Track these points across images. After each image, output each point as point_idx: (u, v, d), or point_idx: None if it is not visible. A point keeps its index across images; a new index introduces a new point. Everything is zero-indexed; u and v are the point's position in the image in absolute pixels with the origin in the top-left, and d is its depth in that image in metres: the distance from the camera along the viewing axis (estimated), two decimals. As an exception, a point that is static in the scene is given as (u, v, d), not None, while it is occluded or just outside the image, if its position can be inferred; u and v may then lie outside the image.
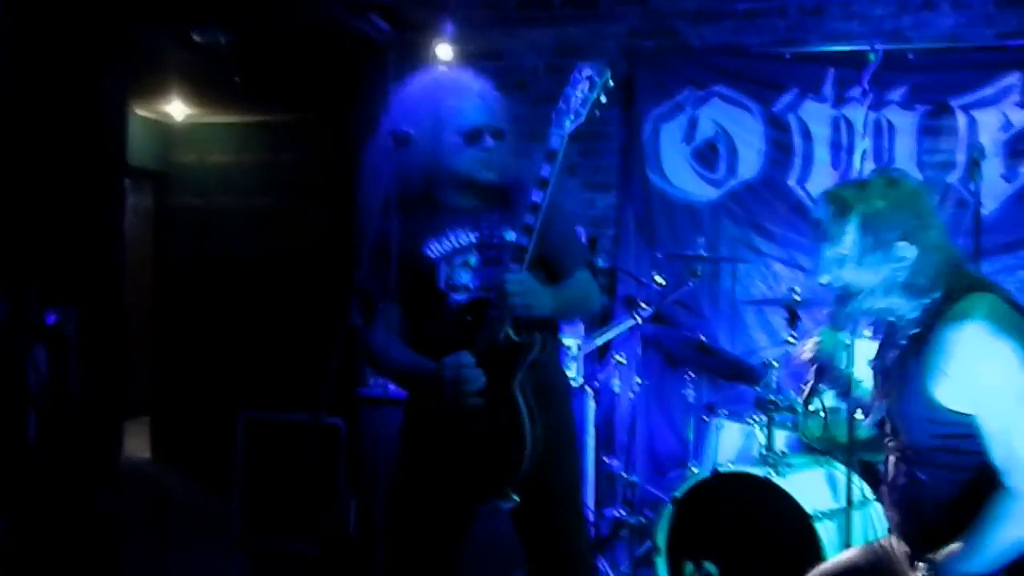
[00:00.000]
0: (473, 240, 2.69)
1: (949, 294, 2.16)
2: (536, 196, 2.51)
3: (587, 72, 2.57)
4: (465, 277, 2.67)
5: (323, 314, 4.39)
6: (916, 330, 2.21)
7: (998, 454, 2.08)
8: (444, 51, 5.18)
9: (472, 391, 2.52)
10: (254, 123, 6.45)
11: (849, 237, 2.18)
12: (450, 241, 2.70)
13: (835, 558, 2.61)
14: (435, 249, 2.69)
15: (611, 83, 2.58)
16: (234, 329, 6.23)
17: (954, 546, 2.11)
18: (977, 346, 2.08)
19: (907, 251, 2.17)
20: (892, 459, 2.33)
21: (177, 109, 6.44)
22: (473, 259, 2.68)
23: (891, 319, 2.30)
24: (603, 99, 2.57)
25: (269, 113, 6.30)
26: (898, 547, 2.35)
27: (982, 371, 2.08)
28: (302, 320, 5.65)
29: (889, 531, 2.41)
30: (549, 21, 5.54)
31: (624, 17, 5.43)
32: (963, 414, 2.11)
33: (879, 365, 2.39)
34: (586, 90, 2.55)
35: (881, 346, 2.41)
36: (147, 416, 6.76)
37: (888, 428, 2.35)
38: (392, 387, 4.28)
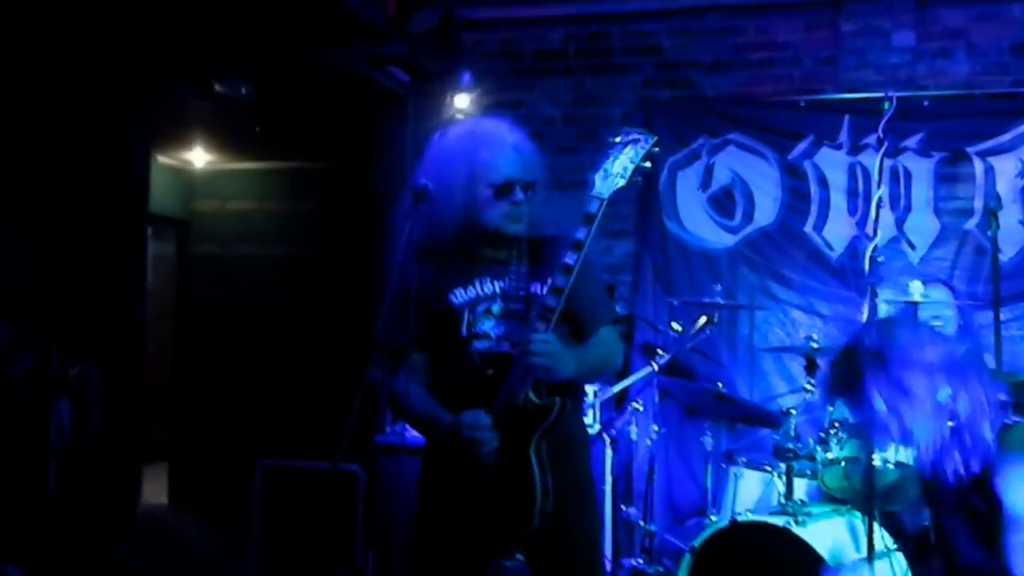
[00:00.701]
0: (498, 290, 2.69)
1: None
2: (569, 258, 2.50)
3: (631, 136, 2.56)
4: (487, 325, 2.67)
5: (341, 363, 4.41)
6: None
7: None
8: (462, 101, 5.24)
9: (485, 453, 2.52)
10: (275, 171, 6.54)
11: None
12: (475, 289, 2.70)
13: None
14: (460, 296, 2.69)
15: (656, 150, 2.55)
16: (253, 377, 6.25)
17: None
18: None
19: None
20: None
21: (198, 156, 6.54)
22: (496, 307, 2.68)
23: None
24: (647, 165, 2.55)
25: (290, 161, 6.38)
26: None
27: None
28: (321, 368, 5.67)
29: None
30: (565, 71, 5.61)
31: (639, 67, 5.49)
32: None
33: None
34: (629, 156, 2.54)
35: None
36: (165, 462, 6.77)
37: None
38: (409, 434, 4.28)
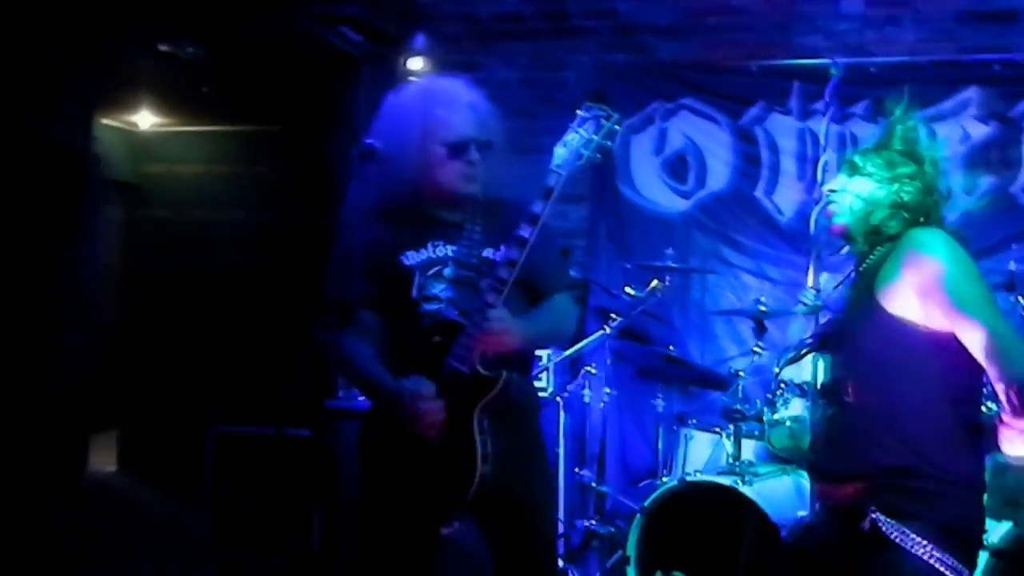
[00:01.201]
0: (450, 253, 2.69)
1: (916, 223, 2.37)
2: (525, 231, 2.50)
3: (593, 113, 2.56)
4: (438, 288, 2.67)
5: (295, 328, 4.39)
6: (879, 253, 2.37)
7: (969, 341, 2.18)
8: (417, 63, 5.20)
9: (426, 424, 2.53)
10: (226, 134, 6.45)
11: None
12: (428, 251, 2.70)
13: None
14: (412, 258, 2.69)
15: (618, 127, 2.56)
16: (205, 343, 6.20)
17: None
18: (919, 254, 2.26)
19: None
20: (825, 399, 2.44)
21: (145, 118, 6.42)
22: (448, 271, 2.68)
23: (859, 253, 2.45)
24: (609, 144, 2.56)
25: (242, 124, 6.29)
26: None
27: (925, 271, 2.24)
28: (273, 333, 5.63)
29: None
30: (522, 35, 5.57)
31: (595, 31, 5.48)
32: (909, 327, 2.23)
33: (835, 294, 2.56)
34: (591, 132, 2.54)
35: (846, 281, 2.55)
36: (115, 430, 6.71)
37: (831, 349, 2.48)
38: (361, 399, 4.29)
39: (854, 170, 2.47)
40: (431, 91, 2.75)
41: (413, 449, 2.56)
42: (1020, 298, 3.93)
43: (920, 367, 2.24)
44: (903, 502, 2.19)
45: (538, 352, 4.42)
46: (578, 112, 2.57)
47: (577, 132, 2.55)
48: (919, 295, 2.24)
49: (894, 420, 2.23)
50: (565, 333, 2.93)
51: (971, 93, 4.97)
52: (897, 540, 2.16)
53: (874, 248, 2.40)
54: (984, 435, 2.28)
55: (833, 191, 2.50)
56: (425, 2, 5.56)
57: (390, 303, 2.70)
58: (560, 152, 2.55)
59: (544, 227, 2.55)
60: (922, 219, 2.39)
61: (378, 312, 2.72)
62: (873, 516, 2.18)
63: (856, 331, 2.33)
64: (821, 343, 2.58)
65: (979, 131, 4.97)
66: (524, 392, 2.81)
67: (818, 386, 2.49)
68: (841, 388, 2.32)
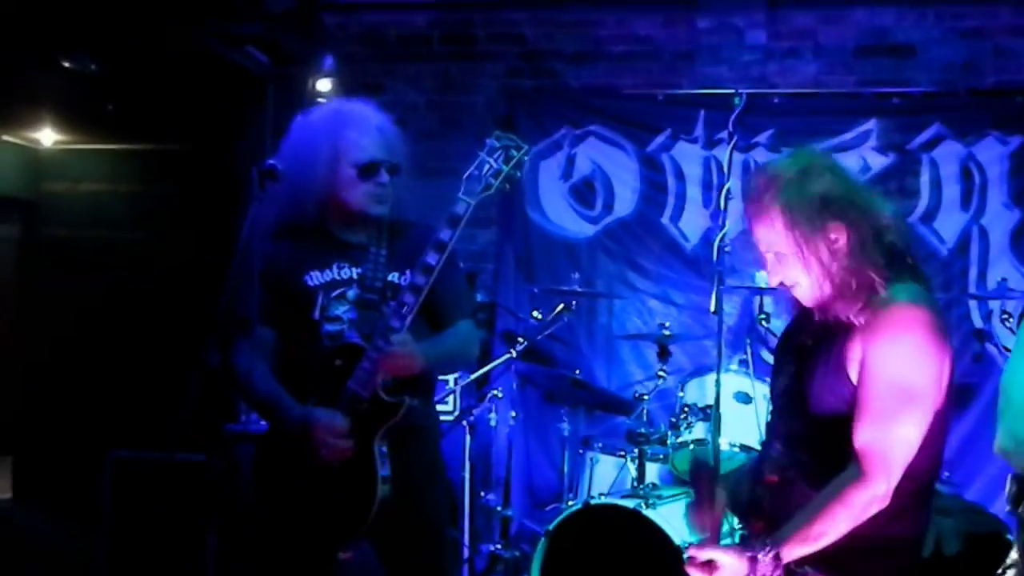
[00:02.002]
0: (355, 275, 2.68)
1: (883, 273, 2.12)
2: (431, 258, 2.52)
3: (503, 142, 2.58)
4: (340, 309, 2.66)
5: (195, 349, 4.30)
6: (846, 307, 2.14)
7: (862, 437, 2.06)
8: (324, 84, 5.16)
9: (334, 454, 2.52)
10: (129, 152, 6.30)
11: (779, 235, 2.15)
12: (332, 272, 2.69)
13: None
14: (315, 278, 2.68)
15: (526, 158, 2.57)
16: (104, 365, 6.03)
17: (795, 523, 2.09)
18: (903, 323, 2.06)
19: (838, 232, 2.12)
20: (772, 442, 2.31)
21: (47, 135, 6.25)
22: (352, 293, 2.67)
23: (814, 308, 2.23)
24: (517, 174, 2.57)
25: (145, 142, 6.16)
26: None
27: (894, 347, 2.05)
28: (174, 356, 5.49)
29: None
30: (429, 58, 5.59)
31: (503, 56, 5.53)
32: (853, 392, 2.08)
33: (789, 345, 2.35)
34: (501, 161, 2.55)
35: (795, 327, 2.37)
36: (9, 455, 6.47)
37: (782, 406, 2.31)
38: (261, 423, 4.21)
39: None
40: (341, 113, 2.76)
41: (312, 473, 2.54)
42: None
43: None
44: (840, 559, 2.12)
45: (444, 376, 4.40)
46: (487, 141, 2.59)
47: (486, 161, 2.57)
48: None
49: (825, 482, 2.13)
50: (467, 358, 2.94)
51: (871, 125, 5.15)
52: None
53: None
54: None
55: None
56: (332, 23, 5.54)
57: (290, 322, 2.68)
58: (468, 180, 2.56)
59: (449, 253, 2.56)
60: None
61: (276, 330, 2.70)
62: (801, 572, 2.13)
63: (818, 390, 2.19)
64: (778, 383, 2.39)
65: (879, 162, 5.14)
66: (425, 416, 2.80)
67: (771, 426, 2.38)
68: (788, 447, 2.23)
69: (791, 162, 2.22)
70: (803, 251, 2.13)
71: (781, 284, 2.23)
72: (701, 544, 2.18)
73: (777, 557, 2.04)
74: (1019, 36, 5.12)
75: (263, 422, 4.19)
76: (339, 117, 2.73)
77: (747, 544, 2.11)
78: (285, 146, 2.73)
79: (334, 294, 2.67)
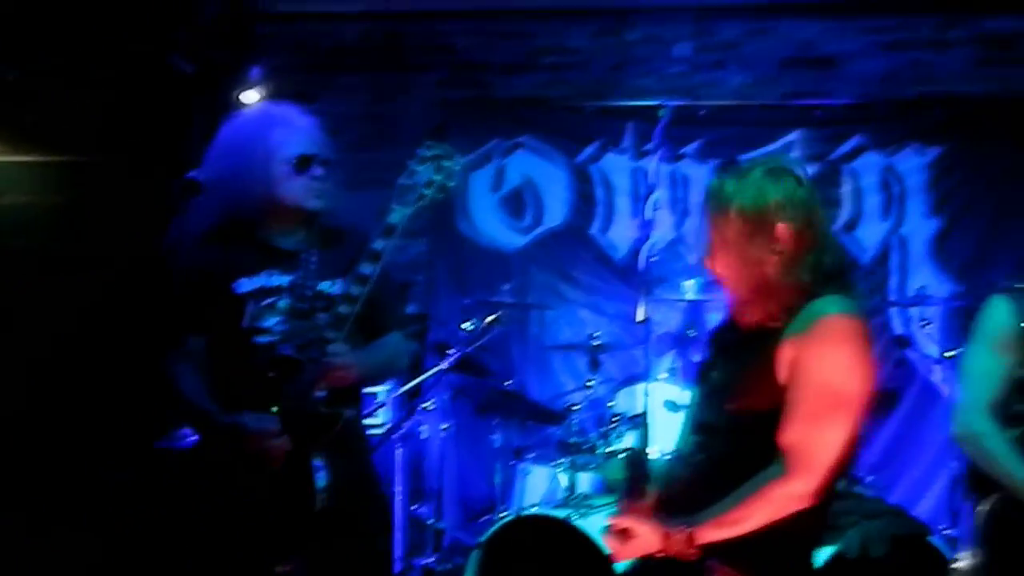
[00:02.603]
0: (285, 283, 2.66)
1: (818, 282, 2.16)
2: (366, 268, 2.50)
3: (434, 152, 2.58)
4: (271, 320, 2.63)
5: (121, 363, 4.22)
6: (777, 311, 2.18)
7: (790, 436, 2.10)
8: (252, 95, 5.11)
9: (270, 460, 2.49)
10: (51, 164, 6.16)
11: (730, 227, 2.19)
12: (262, 279, 2.66)
13: None
14: (245, 286, 2.65)
15: (458, 167, 2.59)
16: (26, 380, 5.87)
17: (715, 509, 2.13)
18: (838, 332, 2.10)
19: (785, 236, 2.16)
20: (694, 440, 2.33)
21: (-36, 147, 6.09)
22: (283, 303, 2.64)
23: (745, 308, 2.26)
24: (450, 183, 2.58)
25: (66, 154, 6.02)
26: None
27: (828, 354, 2.09)
28: (100, 370, 5.39)
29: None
30: (361, 68, 5.57)
31: (435, 67, 5.53)
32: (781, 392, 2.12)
33: (718, 344, 2.40)
34: (432, 171, 2.56)
35: (725, 326, 2.40)
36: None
37: (705, 405, 2.33)
38: (192, 439, 4.14)
39: None
40: (267, 114, 2.76)
41: (247, 486, 2.51)
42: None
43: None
44: (742, 555, 2.16)
45: (374, 388, 4.37)
46: (418, 151, 2.60)
47: (418, 170, 2.57)
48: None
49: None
50: (399, 369, 2.95)
51: (795, 136, 5.25)
52: None
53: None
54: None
55: None
56: (262, 33, 5.49)
57: (219, 331, 2.65)
58: (400, 190, 2.56)
59: (384, 263, 2.55)
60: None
61: (206, 339, 2.66)
62: (710, 563, 2.16)
63: (746, 387, 2.22)
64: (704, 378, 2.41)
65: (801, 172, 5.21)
66: (356, 428, 2.79)
67: (694, 423, 2.40)
68: (713, 441, 2.25)
69: (762, 163, 2.28)
70: (747, 247, 2.18)
71: (714, 272, 2.27)
72: (619, 514, 2.21)
73: (691, 537, 2.09)
74: (937, 49, 5.27)
75: (193, 438, 4.15)
76: (265, 118, 2.72)
77: (664, 521, 2.14)
78: (212, 154, 2.70)
79: (264, 303, 2.64)
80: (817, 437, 2.10)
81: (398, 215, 2.53)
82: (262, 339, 2.62)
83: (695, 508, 2.15)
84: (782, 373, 2.14)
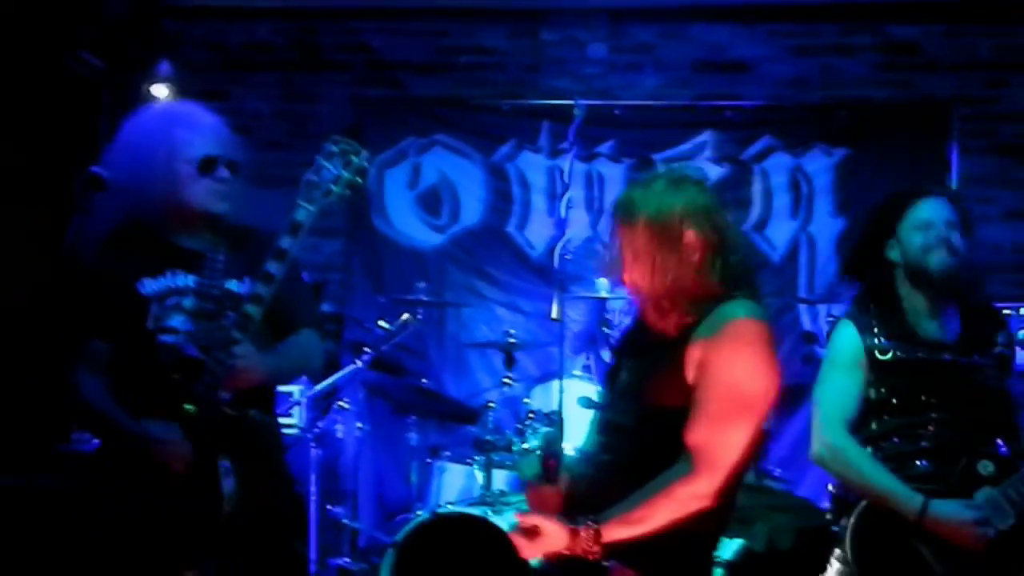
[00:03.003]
0: (191, 284, 2.60)
1: (726, 286, 2.22)
2: (272, 267, 2.45)
3: (341, 147, 2.52)
4: (176, 320, 2.58)
5: (24, 367, 4.11)
6: (687, 315, 2.22)
7: (696, 436, 2.13)
8: (162, 91, 5.01)
9: (174, 469, 2.45)
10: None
11: (639, 237, 2.23)
12: (167, 280, 2.60)
13: None
14: (148, 286, 2.58)
15: (367, 163, 2.53)
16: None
17: (621, 508, 2.15)
18: (744, 335, 2.15)
19: (693, 242, 2.21)
20: (600, 440, 2.35)
21: None
22: (188, 303, 2.59)
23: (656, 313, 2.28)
24: (359, 180, 2.52)
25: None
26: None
27: (735, 357, 2.14)
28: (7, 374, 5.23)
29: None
30: (274, 65, 5.51)
31: (350, 65, 5.50)
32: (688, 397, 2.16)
33: (628, 344, 2.43)
34: (340, 166, 2.50)
35: (635, 328, 2.43)
36: None
37: (613, 406, 2.36)
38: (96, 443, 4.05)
39: None
40: (172, 112, 2.69)
41: (152, 491, 2.45)
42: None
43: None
44: (641, 556, 2.18)
45: (289, 387, 4.33)
46: (324, 145, 2.54)
47: (324, 166, 2.51)
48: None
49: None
50: (310, 369, 2.90)
51: (707, 136, 5.36)
52: None
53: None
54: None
55: None
56: (172, 29, 5.39)
57: (122, 333, 2.58)
58: (307, 187, 2.51)
59: (292, 261, 2.50)
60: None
61: (109, 342, 2.59)
62: (609, 564, 2.18)
63: (651, 388, 2.26)
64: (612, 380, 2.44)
65: (714, 172, 5.33)
66: (268, 428, 2.74)
67: (601, 424, 2.42)
68: (619, 441, 2.28)
69: (665, 173, 2.36)
70: (657, 256, 2.22)
71: (625, 281, 2.30)
72: (528, 512, 2.22)
73: (598, 534, 2.11)
74: (843, 54, 5.42)
75: (95, 441, 4.05)
76: (169, 116, 2.64)
77: (572, 519, 2.15)
78: (114, 151, 2.62)
79: (169, 303, 2.58)
80: (723, 438, 2.14)
81: (304, 213, 2.48)
82: (166, 339, 2.56)
83: (598, 508, 2.17)
84: (690, 374, 2.18)
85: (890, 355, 2.65)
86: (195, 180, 2.57)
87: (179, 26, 5.45)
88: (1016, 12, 5.29)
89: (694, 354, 2.18)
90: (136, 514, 2.48)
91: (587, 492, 2.28)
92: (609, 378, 2.45)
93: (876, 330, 2.67)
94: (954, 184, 5.22)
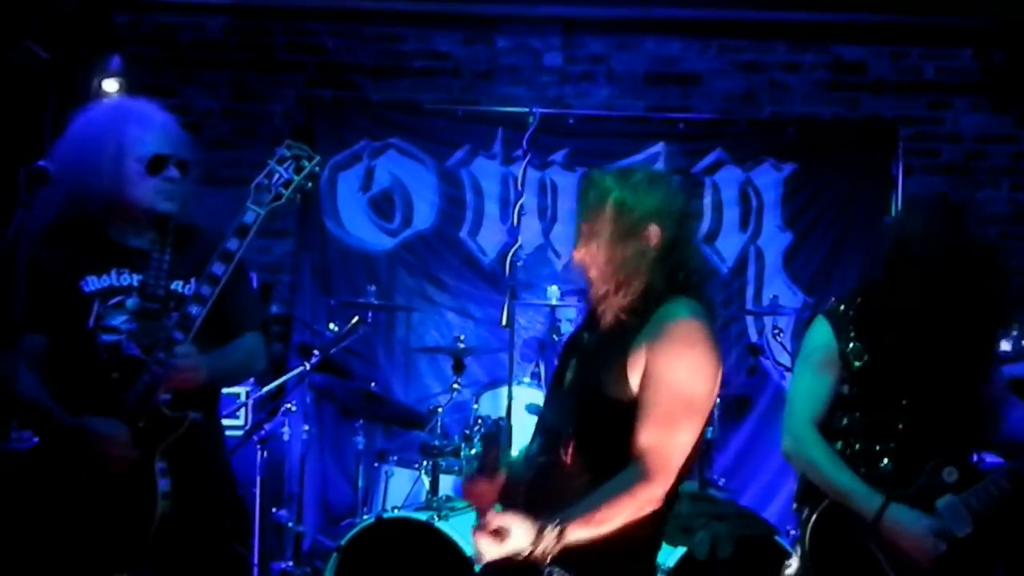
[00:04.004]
0: (135, 283, 2.57)
1: (672, 287, 2.26)
2: (217, 268, 2.45)
3: (294, 152, 2.54)
4: (118, 319, 2.55)
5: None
6: (631, 311, 2.26)
7: (646, 439, 2.15)
8: (111, 85, 4.93)
9: (114, 466, 2.42)
10: None
11: (604, 219, 2.27)
12: (110, 278, 2.57)
13: None
14: (92, 284, 2.56)
15: (318, 168, 2.55)
16: None
17: (582, 507, 2.15)
18: (688, 336, 2.19)
19: (654, 238, 2.26)
20: (540, 441, 2.36)
21: None
22: (131, 302, 2.56)
23: (601, 305, 2.32)
24: (308, 185, 2.54)
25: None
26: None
27: (679, 359, 2.17)
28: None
29: None
30: (225, 64, 5.44)
31: (302, 66, 5.46)
32: (633, 397, 2.18)
33: (573, 346, 2.43)
34: (291, 171, 2.52)
35: (580, 329, 2.46)
36: None
37: (556, 406, 2.37)
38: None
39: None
40: (123, 109, 2.65)
41: (86, 490, 2.42)
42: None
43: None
44: (585, 562, 2.17)
45: (236, 389, 4.28)
46: (276, 150, 2.55)
47: (276, 170, 2.52)
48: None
49: (594, 484, 2.20)
50: (253, 371, 2.86)
51: (659, 148, 5.41)
52: None
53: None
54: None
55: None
56: (122, 22, 5.31)
57: (63, 330, 2.55)
58: (257, 190, 2.51)
59: (239, 263, 2.50)
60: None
61: (47, 337, 2.56)
62: (549, 570, 2.16)
63: (595, 388, 2.27)
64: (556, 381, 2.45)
65: (666, 184, 5.36)
66: (208, 430, 2.70)
67: (543, 426, 2.43)
68: (560, 442, 2.28)
69: (646, 169, 2.43)
70: (616, 241, 2.27)
71: (578, 258, 2.33)
72: (492, 512, 2.16)
73: (561, 533, 2.10)
74: (792, 71, 5.52)
75: (35, 440, 3.96)
76: (120, 113, 2.61)
77: (536, 518, 2.13)
78: (62, 145, 2.59)
79: (112, 302, 2.55)
80: (673, 440, 2.17)
81: (252, 215, 2.49)
82: (108, 338, 2.53)
83: (537, 509, 2.16)
84: (633, 378, 2.20)
85: (862, 361, 2.66)
86: (143, 178, 2.55)
87: (129, 19, 5.36)
88: (960, 36, 5.42)
89: (638, 358, 2.20)
90: (65, 514, 2.44)
91: (527, 493, 2.28)
92: (553, 380, 2.47)
93: (852, 334, 2.67)
94: (898, 202, 5.33)
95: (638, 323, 2.23)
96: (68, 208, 2.58)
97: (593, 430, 2.25)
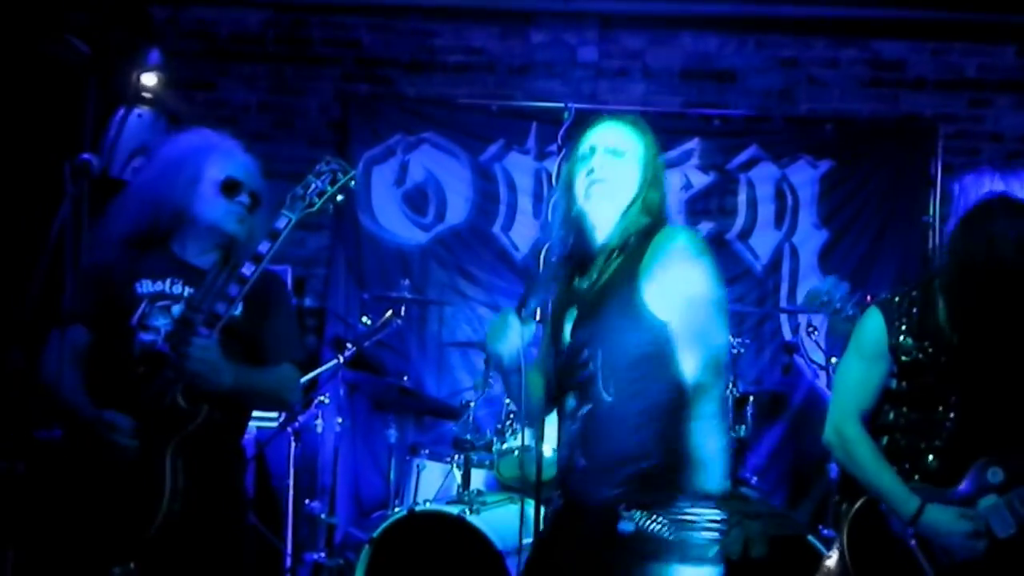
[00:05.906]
0: (186, 294, 2.65)
1: (658, 223, 2.40)
2: (247, 269, 2.53)
3: (331, 166, 2.67)
4: (161, 321, 2.61)
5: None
6: (624, 251, 2.36)
7: (691, 357, 2.22)
8: (150, 79, 4.98)
9: (119, 459, 2.45)
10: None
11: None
12: (164, 285, 2.66)
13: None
14: (145, 287, 2.65)
15: (353, 184, 2.69)
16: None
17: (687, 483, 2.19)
18: (686, 256, 2.29)
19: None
20: (575, 395, 2.37)
21: None
22: (176, 309, 2.63)
23: (590, 246, 2.42)
24: (340, 198, 2.67)
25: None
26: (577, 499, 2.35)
27: (688, 278, 2.27)
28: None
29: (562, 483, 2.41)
30: (263, 58, 5.49)
31: (339, 60, 5.49)
32: (662, 323, 2.26)
33: (575, 295, 2.46)
34: (327, 183, 2.64)
35: (567, 282, 2.53)
36: None
37: (580, 357, 2.36)
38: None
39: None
40: (209, 138, 2.78)
41: (97, 480, 2.46)
42: (733, 338, 4.23)
43: (674, 364, 2.27)
44: (656, 496, 2.22)
45: (258, 412, 4.29)
46: (317, 166, 2.68)
47: (312, 181, 2.65)
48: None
49: (650, 418, 2.24)
50: (284, 400, 2.87)
51: (694, 144, 5.37)
52: (660, 531, 2.20)
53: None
54: None
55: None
56: (161, 17, 5.36)
57: (107, 326, 2.63)
58: (293, 199, 2.63)
59: (286, 296, 2.67)
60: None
61: (92, 332, 2.64)
62: (627, 513, 2.20)
63: (616, 325, 2.31)
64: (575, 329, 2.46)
65: (700, 180, 5.36)
66: (230, 442, 2.75)
67: (563, 380, 2.43)
68: (599, 384, 2.30)
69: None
70: (649, 166, 2.45)
71: (599, 178, 2.43)
72: None
73: None
74: (830, 67, 5.46)
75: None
76: (206, 140, 2.75)
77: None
78: (149, 162, 2.77)
79: (159, 304, 2.63)
80: (718, 341, 2.25)
81: (284, 220, 2.60)
82: (146, 336, 2.60)
83: (602, 454, 2.25)
84: (652, 300, 2.28)
85: (911, 356, 2.63)
86: (216, 198, 2.66)
87: (168, 14, 5.42)
88: (1003, 33, 5.35)
89: (651, 288, 2.28)
90: (75, 504, 2.48)
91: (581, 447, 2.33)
92: (552, 334, 2.52)
93: (904, 328, 2.64)
94: (937, 201, 5.27)
95: (639, 253, 2.33)
96: (141, 220, 2.69)
97: (623, 361, 2.29)
